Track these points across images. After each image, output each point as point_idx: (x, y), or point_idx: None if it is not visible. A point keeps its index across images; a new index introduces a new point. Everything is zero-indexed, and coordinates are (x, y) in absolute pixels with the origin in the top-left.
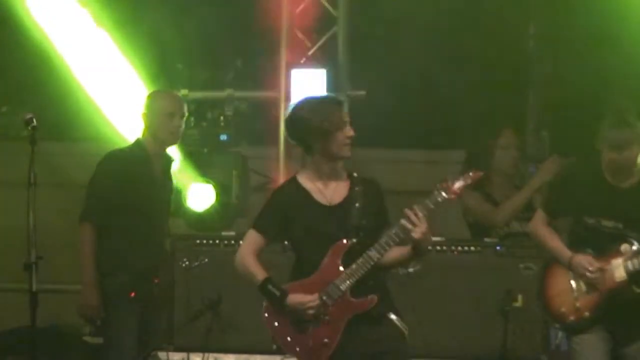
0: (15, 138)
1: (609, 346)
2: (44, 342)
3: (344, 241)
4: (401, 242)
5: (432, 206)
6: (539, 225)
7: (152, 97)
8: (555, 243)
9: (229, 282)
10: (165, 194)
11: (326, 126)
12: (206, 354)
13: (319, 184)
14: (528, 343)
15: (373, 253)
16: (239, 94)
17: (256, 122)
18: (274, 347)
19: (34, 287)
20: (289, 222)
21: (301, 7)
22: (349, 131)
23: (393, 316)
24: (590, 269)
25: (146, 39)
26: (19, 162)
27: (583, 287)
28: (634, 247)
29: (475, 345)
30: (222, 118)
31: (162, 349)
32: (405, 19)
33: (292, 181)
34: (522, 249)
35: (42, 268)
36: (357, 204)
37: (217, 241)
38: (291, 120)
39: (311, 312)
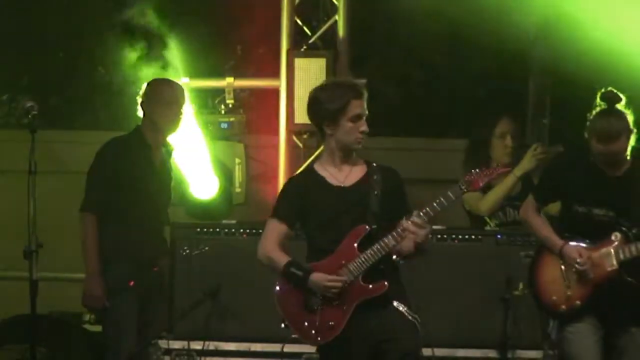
0: (16, 126)
1: (600, 334)
2: (44, 330)
3: (366, 227)
4: None
5: (453, 197)
6: (530, 212)
7: (152, 85)
8: (546, 231)
9: (230, 270)
10: (165, 182)
11: (338, 113)
12: (206, 343)
13: (333, 169)
14: (529, 331)
15: (389, 240)
16: (239, 82)
17: (256, 110)
18: (282, 325)
19: (34, 275)
20: (306, 207)
21: None
22: (362, 125)
23: (400, 306)
24: (579, 260)
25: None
26: (20, 150)
27: (574, 275)
28: (625, 236)
29: (475, 334)
30: (222, 106)
31: (162, 338)
32: (406, 8)
33: (308, 169)
34: (522, 237)
35: (43, 256)
36: (376, 192)
37: (218, 229)
38: (309, 99)
39: (335, 291)
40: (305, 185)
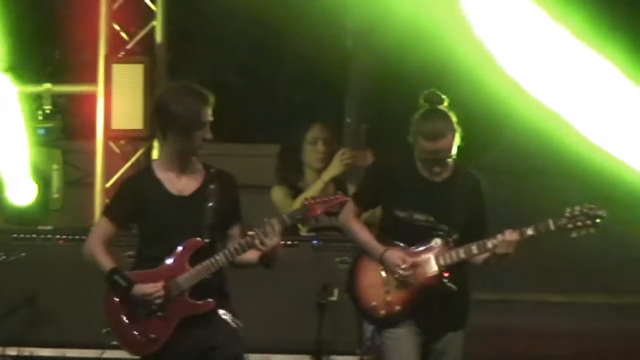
0: None
1: (419, 340)
2: None
3: (198, 239)
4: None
5: (289, 222)
6: (350, 218)
7: None
8: (366, 237)
9: (47, 276)
10: None
11: (188, 124)
12: (21, 349)
13: (172, 174)
14: (343, 337)
15: (220, 258)
16: (57, 88)
17: (74, 116)
18: (104, 331)
19: None
20: (139, 210)
21: (120, 0)
22: (207, 133)
23: (225, 314)
24: (402, 265)
25: None
26: None
27: (394, 281)
28: (445, 242)
29: (290, 339)
30: (40, 112)
31: None
32: (225, 14)
33: (146, 170)
34: (338, 243)
35: None
36: (210, 203)
37: (34, 235)
38: (156, 104)
39: (158, 302)
40: (141, 187)
